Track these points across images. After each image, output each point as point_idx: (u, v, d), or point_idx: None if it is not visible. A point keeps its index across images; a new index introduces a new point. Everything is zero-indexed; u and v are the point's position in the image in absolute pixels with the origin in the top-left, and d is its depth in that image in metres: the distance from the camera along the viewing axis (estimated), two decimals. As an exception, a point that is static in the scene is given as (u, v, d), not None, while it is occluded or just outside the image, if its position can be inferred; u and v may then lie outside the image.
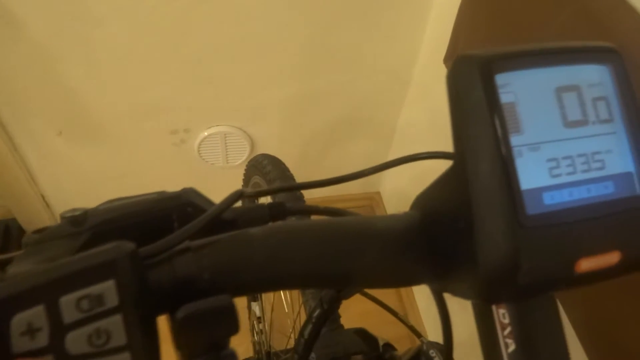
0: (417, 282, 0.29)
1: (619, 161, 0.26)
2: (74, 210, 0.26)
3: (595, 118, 0.26)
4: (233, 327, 0.22)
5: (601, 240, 0.25)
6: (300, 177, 1.52)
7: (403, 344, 0.63)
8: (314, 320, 0.42)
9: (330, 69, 1.24)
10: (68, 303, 0.19)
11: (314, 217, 0.36)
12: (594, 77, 0.26)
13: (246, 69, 1.19)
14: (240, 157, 1.39)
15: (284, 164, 0.91)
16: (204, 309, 0.21)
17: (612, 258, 0.25)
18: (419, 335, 0.57)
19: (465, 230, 0.25)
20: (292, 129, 1.37)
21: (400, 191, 1.48)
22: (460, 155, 0.25)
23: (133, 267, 0.21)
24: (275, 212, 0.33)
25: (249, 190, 0.29)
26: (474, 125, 0.24)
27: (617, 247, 0.25)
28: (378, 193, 1.61)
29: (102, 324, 0.19)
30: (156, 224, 0.28)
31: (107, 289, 0.19)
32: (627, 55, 0.60)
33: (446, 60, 1.03)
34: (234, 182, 1.11)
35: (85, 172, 1.33)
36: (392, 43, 1.21)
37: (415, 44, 1.22)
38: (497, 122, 0.24)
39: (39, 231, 0.26)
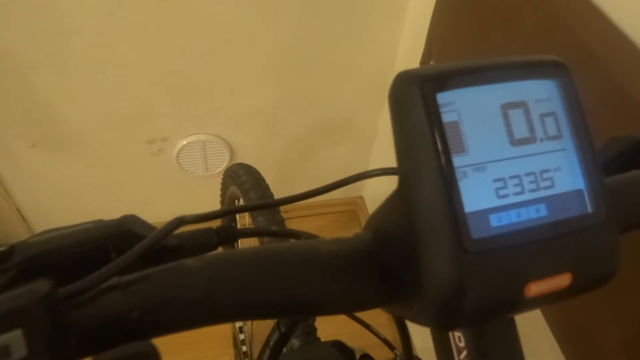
0: (368, 307, 0.28)
1: (568, 178, 0.25)
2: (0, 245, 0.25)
3: (543, 135, 0.25)
4: (156, 373, 0.20)
5: (551, 263, 0.24)
6: (281, 184, 1.51)
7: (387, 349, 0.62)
8: (271, 345, 0.41)
9: (308, 74, 1.23)
10: (-29, 356, 0.18)
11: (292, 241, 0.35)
12: (541, 92, 0.25)
13: (223, 76, 1.18)
14: (221, 165, 1.38)
15: (259, 173, 0.90)
16: (120, 358, 0.19)
17: (563, 280, 0.24)
18: (392, 347, 0.56)
19: (412, 256, 0.24)
20: (271, 136, 1.36)
21: (383, 195, 1.46)
22: (403, 177, 0.24)
23: (46, 312, 0.19)
24: (225, 235, 0.31)
25: (190, 215, 0.28)
26: (416, 146, 0.23)
27: (568, 268, 0.24)
28: (361, 197, 1.60)
29: (9, 376, 0.18)
30: (92, 256, 0.27)
31: (14, 339, 0.18)
32: (594, 58, 0.60)
33: (422, 63, 1.02)
34: (215, 190, 1.09)
35: (61, 184, 1.31)
36: (369, 47, 1.20)
37: (392, 47, 1.21)
38: (438, 143, 0.23)
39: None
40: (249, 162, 1.02)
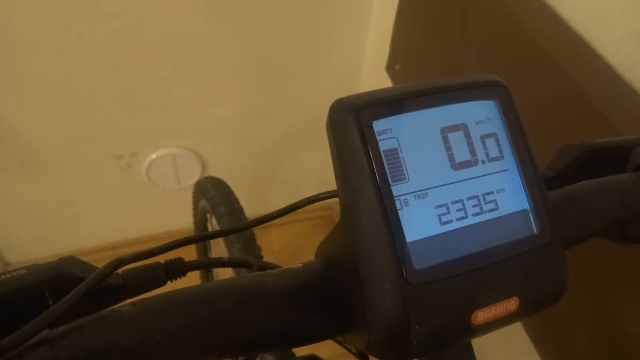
0: (320, 339, 0.27)
1: (512, 199, 0.25)
2: None
3: (484, 157, 0.25)
4: None
5: (497, 288, 0.24)
6: (255, 193, 1.48)
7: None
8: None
9: (275, 81, 1.22)
10: None
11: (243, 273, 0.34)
12: (480, 113, 0.25)
13: (189, 87, 1.16)
14: (193, 177, 1.36)
15: (227, 187, 0.89)
16: None
17: (510, 305, 0.24)
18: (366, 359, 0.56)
19: (357, 288, 0.23)
20: (243, 145, 1.34)
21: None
22: (344, 208, 0.24)
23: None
24: (172, 269, 0.30)
25: (130, 255, 0.27)
26: (354, 176, 0.23)
27: (515, 292, 0.24)
28: (337, 202, 1.59)
29: None
30: (28, 306, 0.25)
31: None
32: (550, 62, 0.60)
33: (388, 67, 1.02)
34: (188, 203, 1.08)
35: (27, 207, 1.27)
36: (335, 52, 1.20)
37: (358, 52, 1.21)
38: (376, 172, 0.22)
39: None
40: (222, 172, 1.00)
